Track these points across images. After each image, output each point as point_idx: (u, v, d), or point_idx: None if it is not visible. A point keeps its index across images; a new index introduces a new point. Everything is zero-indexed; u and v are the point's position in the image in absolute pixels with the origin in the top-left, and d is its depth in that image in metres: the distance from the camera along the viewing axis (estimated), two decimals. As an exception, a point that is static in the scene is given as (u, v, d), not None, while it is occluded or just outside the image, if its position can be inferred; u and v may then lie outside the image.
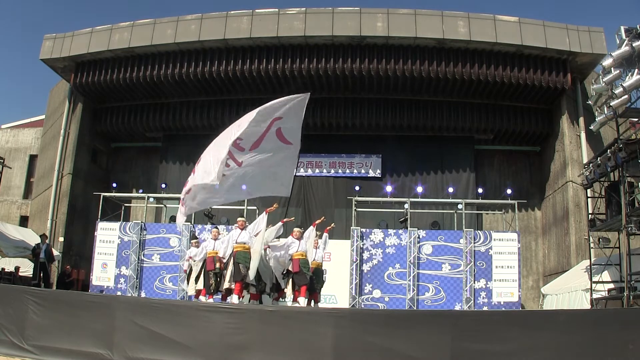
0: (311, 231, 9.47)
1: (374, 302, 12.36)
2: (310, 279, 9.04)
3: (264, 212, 9.05)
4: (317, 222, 9.71)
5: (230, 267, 8.94)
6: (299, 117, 8.31)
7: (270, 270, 9.15)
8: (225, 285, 8.96)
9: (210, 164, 7.96)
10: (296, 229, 9.21)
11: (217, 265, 9.15)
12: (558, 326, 6.14)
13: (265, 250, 8.93)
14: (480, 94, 15.69)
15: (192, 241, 10.42)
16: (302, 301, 8.76)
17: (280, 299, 9.39)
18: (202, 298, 9.40)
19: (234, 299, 8.76)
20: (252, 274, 8.69)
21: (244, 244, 8.90)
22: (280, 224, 9.29)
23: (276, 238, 9.21)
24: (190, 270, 9.96)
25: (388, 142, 16.60)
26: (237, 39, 14.90)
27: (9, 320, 7.34)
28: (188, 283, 10.05)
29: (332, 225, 10.36)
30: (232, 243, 9.00)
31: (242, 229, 9.05)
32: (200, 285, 9.53)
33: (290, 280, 9.02)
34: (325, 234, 9.78)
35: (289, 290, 9.02)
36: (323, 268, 9.95)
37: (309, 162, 16.82)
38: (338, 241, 13.89)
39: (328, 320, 6.47)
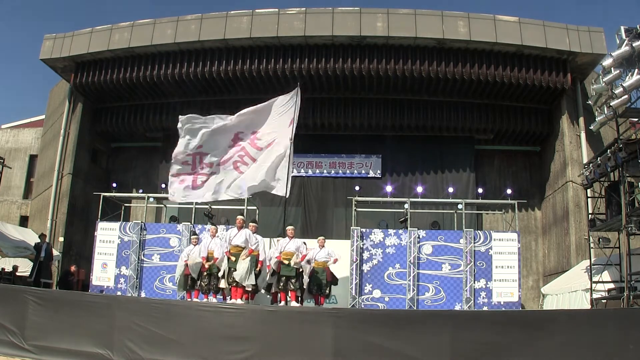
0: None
1: (374, 302, 12.34)
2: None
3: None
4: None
5: (224, 267, 8.98)
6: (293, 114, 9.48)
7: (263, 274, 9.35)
8: (222, 284, 9.00)
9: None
10: (321, 238, 9.96)
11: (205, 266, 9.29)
12: (558, 326, 6.14)
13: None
14: (480, 94, 15.67)
15: (192, 237, 10.42)
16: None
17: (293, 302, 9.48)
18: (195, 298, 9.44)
19: (237, 302, 8.78)
20: (261, 283, 9.12)
21: (238, 246, 8.89)
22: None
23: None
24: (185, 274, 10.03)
25: (388, 142, 16.58)
26: (237, 39, 14.89)
27: (9, 320, 7.34)
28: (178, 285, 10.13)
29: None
30: (227, 243, 9.06)
31: (239, 229, 9.05)
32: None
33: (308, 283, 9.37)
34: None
35: (306, 292, 9.35)
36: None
37: (309, 162, 16.81)
38: (338, 241, 13.89)
39: (328, 320, 6.48)
